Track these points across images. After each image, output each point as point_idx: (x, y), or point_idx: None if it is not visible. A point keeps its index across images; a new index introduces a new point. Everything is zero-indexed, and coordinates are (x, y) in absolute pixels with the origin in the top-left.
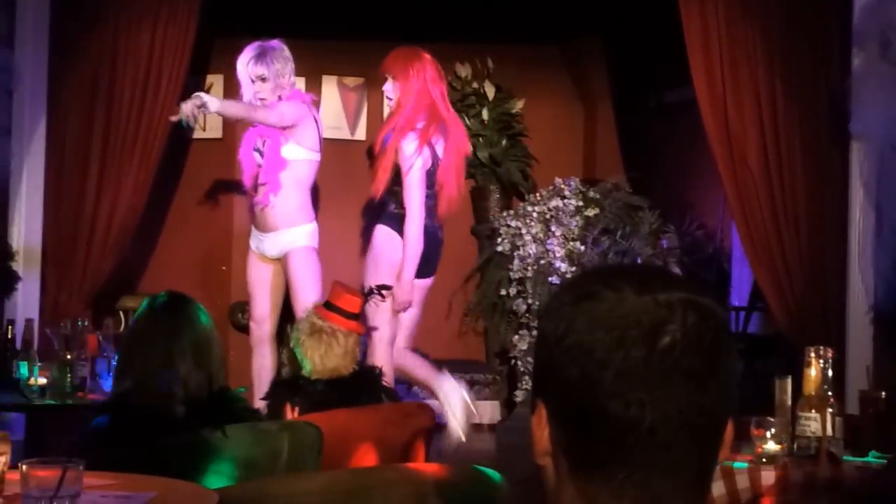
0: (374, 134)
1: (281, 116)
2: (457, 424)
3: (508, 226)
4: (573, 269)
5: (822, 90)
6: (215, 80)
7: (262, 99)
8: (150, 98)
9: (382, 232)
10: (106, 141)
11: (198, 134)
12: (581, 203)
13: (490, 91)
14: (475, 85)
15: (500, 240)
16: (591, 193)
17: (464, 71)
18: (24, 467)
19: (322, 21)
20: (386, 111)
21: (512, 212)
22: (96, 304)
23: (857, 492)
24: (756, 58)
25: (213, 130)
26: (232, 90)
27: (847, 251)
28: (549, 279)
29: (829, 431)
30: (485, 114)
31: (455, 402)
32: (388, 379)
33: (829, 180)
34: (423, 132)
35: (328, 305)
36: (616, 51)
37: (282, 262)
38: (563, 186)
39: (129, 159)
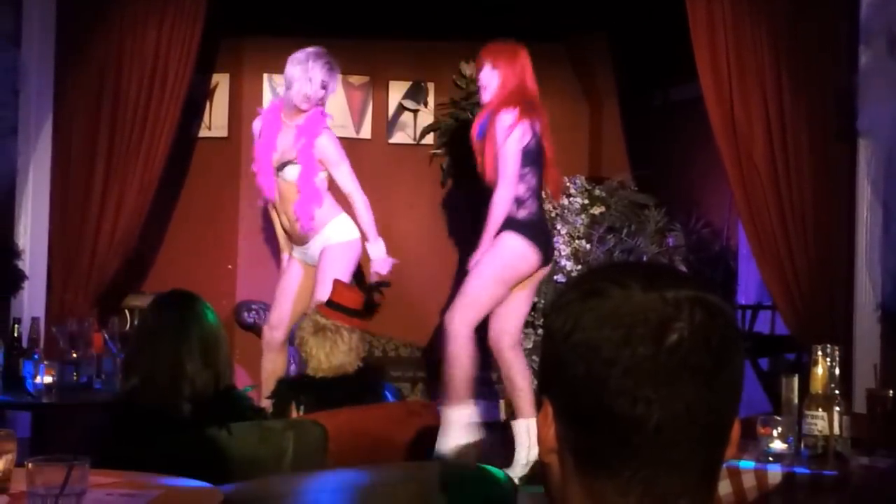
0: (379, 132)
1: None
2: (521, 462)
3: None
4: (578, 267)
5: (829, 87)
6: (221, 80)
7: (307, 95)
8: (156, 97)
9: (511, 240)
10: (112, 139)
11: (203, 133)
12: (587, 201)
13: None
14: None
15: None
16: (597, 191)
17: (469, 69)
18: (30, 465)
19: (327, 19)
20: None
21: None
22: (102, 302)
23: (864, 491)
24: (763, 55)
25: (219, 129)
26: (237, 89)
27: (854, 249)
28: (555, 277)
29: (836, 430)
30: None
31: (523, 445)
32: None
33: (836, 178)
34: (523, 109)
35: (330, 304)
36: (622, 48)
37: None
38: (568, 184)
39: (134, 158)
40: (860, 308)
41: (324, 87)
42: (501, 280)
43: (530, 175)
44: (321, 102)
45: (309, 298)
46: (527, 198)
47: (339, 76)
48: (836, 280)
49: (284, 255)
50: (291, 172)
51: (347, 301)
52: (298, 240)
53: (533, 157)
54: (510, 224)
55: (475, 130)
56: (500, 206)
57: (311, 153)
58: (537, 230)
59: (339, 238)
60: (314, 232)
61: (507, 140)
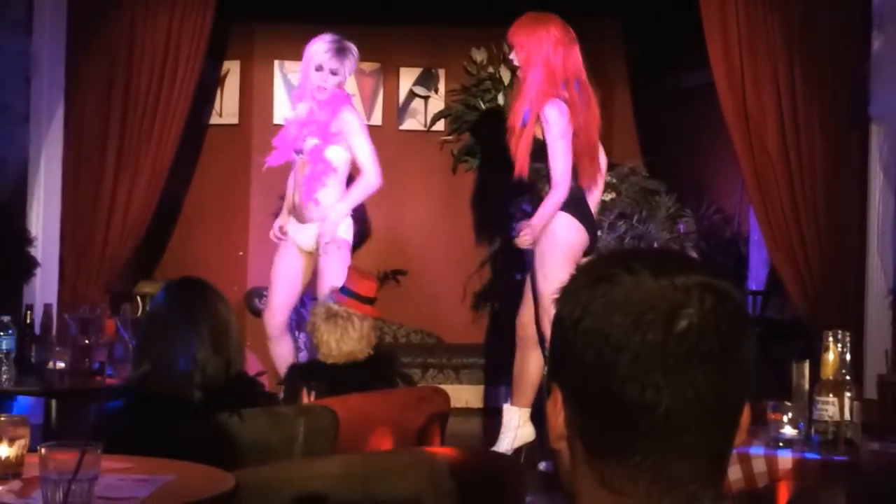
0: (389, 119)
1: (369, 163)
2: (503, 447)
3: (524, 211)
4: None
5: (841, 72)
6: (232, 66)
7: (321, 88)
8: (167, 84)
9: (558, 219)
10: (123, 126)
11: (214, 119)
12: None
13: (506, 76)
14: (491, 69)
15: (515, 224)
16: (608, 177)
17: (479, 55)
18: (43, 450)
19: (338, 5)
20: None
21: (528, 196)
22: (114, 289)
23: (875, 477)
24: (775, 40)
25: (230, 116)
26: (248, 76)
27: (866, 234)
28: None
29: (847, 416)
30: (500, 98)
31: (509, 432)
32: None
33: (848, 163)
34: (570, 100)
35: (344, 290)
36: (633, 34)
37: (313, 253)
38: None
39: (146, 145)
40: (872, 294)
41: (334, 73)
42: (567, 262)
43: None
44: (339, 85)
45: (302, 283)
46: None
47: (354, 59)
48: (847, 266)
49: (275, 229)
50: (308, 144)
51: (361, 288)
52: (301, 217)
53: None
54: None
55: (516, 120)
56: (550, 207)
57: (328, 127)
58: (579, 207)
59: (342, 236)
60: (315, 211)
61: (557, 139)
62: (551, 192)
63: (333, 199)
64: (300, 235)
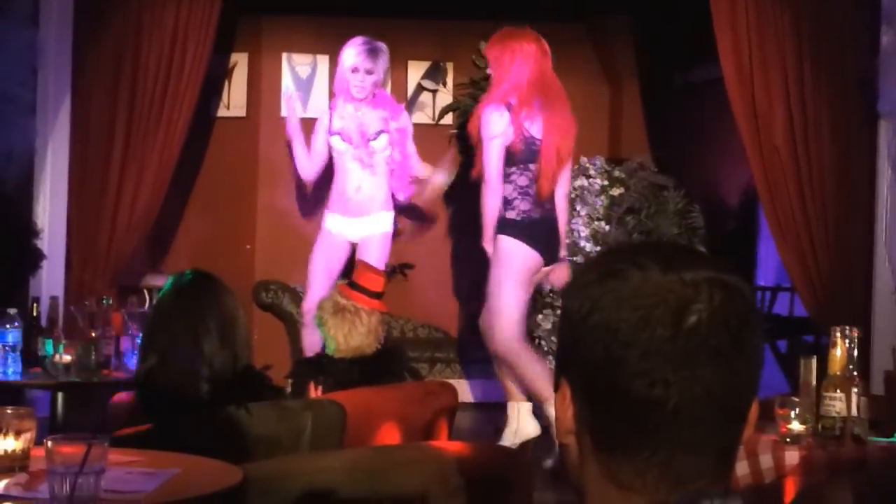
0: None
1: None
2: (505, 443)
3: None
4: (598, 248)
5: (850, 68)
6: (239, 59)
7: (360, 88)
8: (175, 76)
9: (503, 242)
10: (130, 118)
11: (222, 112)
12: (606, 182)
13: None
14: None
15: None
16: (617, 173)
17: None
18: (49, 443)
19: None
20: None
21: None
22: (120, 282)
23: (882, 472)
24: (784, 36)
25: (238, 109)
26: (256, 69)
27: (874, 230)
28: (574, 259)
29: (854, 412)
30: None
31: (511, 427)
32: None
33: (857, 159)
34: (517, 108)
35: (352, 284)
36: (643, 29)
37: (356, 244)
38: (588, 165)
39: (153, 137)
40: (879, 290)
41: (369, 72)
42: (514, 283)
43: (517, 174)
44: (376, 84)
45: (337, 274)
46: (514, 198)
47: (386, 58)
48: (855, 262)
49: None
50: (382, 141)
51: (369, 283)
52: (360, 210)
53: (521, 157)
54: (501, 225)
55: (475, 126)
56: (484, 208)
57: (400, 128)
58: (529, 230)
59: (388, 229)
60: (370, 200)
61: (487, 142)
62: (482, 191)
63: (384, 193)
64: (352, 228)
